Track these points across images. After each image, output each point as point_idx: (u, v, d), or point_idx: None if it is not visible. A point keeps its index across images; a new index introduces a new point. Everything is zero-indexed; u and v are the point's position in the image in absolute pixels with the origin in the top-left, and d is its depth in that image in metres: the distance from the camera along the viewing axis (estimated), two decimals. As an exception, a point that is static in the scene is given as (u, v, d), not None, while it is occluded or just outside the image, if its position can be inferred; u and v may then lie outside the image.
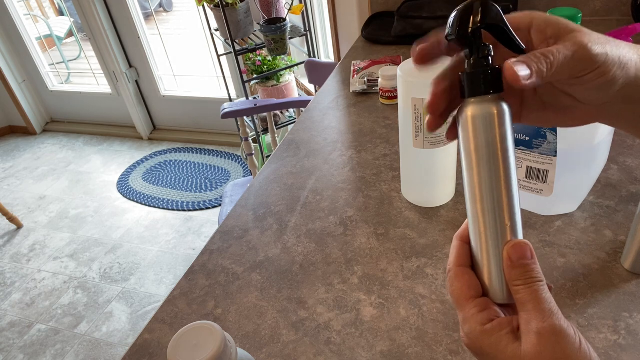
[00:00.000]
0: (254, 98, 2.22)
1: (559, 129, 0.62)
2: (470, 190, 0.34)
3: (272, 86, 2.12)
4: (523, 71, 0.30)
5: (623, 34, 0.76)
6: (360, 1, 1.62)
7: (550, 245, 0.67)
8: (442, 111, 0.35)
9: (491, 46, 0.32)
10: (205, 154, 2.87)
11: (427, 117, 0.35)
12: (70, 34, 4.27)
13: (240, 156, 2.78)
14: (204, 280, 0.71)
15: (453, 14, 0.31)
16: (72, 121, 3.41)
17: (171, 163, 2.84)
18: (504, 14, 0.31)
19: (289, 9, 1.92)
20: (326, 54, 2.27)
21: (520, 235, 0.33)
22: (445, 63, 0.37)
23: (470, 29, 0.31)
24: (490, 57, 0.31)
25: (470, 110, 0.32)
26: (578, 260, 0.64)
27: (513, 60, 0.30)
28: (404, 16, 1.37)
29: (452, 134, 0.35)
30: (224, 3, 1.84)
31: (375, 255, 0.70)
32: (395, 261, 0.69)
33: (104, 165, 2.94)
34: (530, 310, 0.31)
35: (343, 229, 0.76)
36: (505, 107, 0.32)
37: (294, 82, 2.20)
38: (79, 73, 3.67)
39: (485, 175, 0.32)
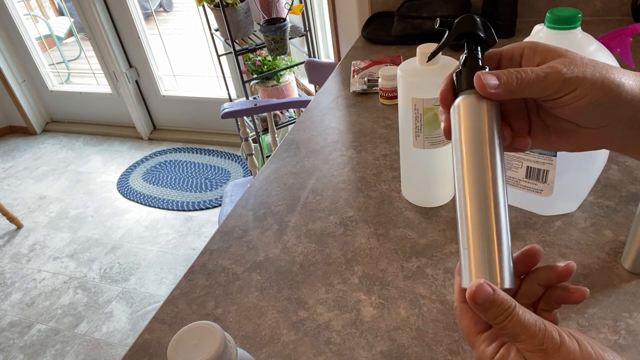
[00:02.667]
0: (254, 98, 2.23)
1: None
2: (458, 182, 0.36)
3: (272, 86, 2.12)
4: (491, 81, 0.34)
5: (623, 34, 0.76)
6: (360, 1, 1.62)
7: (550, 245, 0.67)
8: (450, 104, 0.38)
9: (479, 50, 0.37)
10: (205, 154, 2.87)
11: (443, 125, 0.38)
12: (70, 34, 4.27)
13: (240, 156, 2.78)
14: (204, 280, 0.71)
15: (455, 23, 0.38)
16: (72, 121, 3.41)
17: (171, 163, 2.84)
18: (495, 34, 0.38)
19: (289, 9, 1.92)
20: (326, 54, 2.27)
21: (505, 237, 0.33)
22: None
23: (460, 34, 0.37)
24: (478, 60, 0.37)
25: (458, 101, 0.37)
26: (578, 260, 0.64)
27: (486, 71, 0.34)
28: (404, 16, 1.37)
29: (448, 132, 0.38)
30: (224, 3, 1.84)
31: (375, 255, 0.70)
32: (395, 261, 0.69)
33: (104, 165, 2.94)
34: (524, 340, 0.30)
35: (343, 229, 0.76)
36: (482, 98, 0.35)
37: (294, 82, 2.20)
38: (79, 73, 3.67)
39: (471, 159, 0.35)
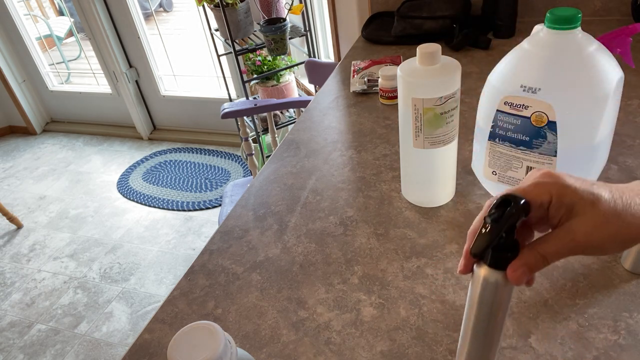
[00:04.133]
0: (254, 98, 2.22)
1: (558, 128, 0.62)
2: (464, 328, 0.43)
3: (272, 86, 2.12)
4: (525, 276, 0.37)
5: (623, 34, 0.76)
6: (360, 1, 1.62)
7: (550, 245, 0.67)
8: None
9: (516, 233, 0.38)
10: (205, 154, 2.87)
11: (460, 268, 0.41)
12: (70, 34, 4.27)
13: (240, 156, 2.78)
14: (204, 280, 0.71)
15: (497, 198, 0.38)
16: (72, 121, 3.41)
17: (171, 163, 2.84)
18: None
19: (289, 9, 1.92)
20: (326, 54, 2.27)
21: None
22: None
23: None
24: (515, 244, 0.38)
25: (485, 275, 0.38)
26: (578, 260, 0.64)
27: (520, 267, 0.37)
28: (404, 16, 1.37)
29: (466, 270, 0.40)
30: (224, 3, 1.84)
31: (375, 255, 0.70)
32: (395, 261, 0.69)
33: (104, 165, 2.94)
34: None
35: (343, 229, 0.76)
36: (504, 282, 0.38)
37: (294, 82, 2.20)
38: (79, 73, 3.67)
39: (477, 325, 0.41)
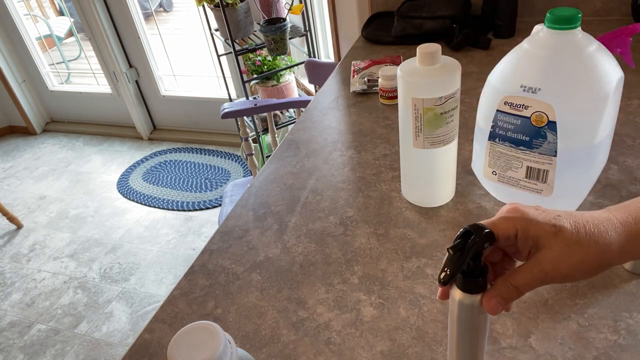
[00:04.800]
0: (254, 98, 2.22)
1: (558, 128, 0.62)
2: (449, 344, 0.45)
3: (272, 86, 2.12)
4: (501, 307, 0.39)
5: (623, 34, 0.76)
6: (360, 1, 1.62)
7: (550, 245, 0.67)
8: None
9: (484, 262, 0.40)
10: (205, 154, 2.87)
11: (439, 290, 0.43)
12: (70, 34, 4.27)
13: (240, 156, 2.78)
14: (204, 280, 0.71)
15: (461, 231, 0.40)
16: (72, 121, 3.41)
17: (171, 163, 2.84)
18: None
19: (289, 9, 1.92)
20: (326, 54, 2.27)
21: None
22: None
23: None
24: (484, 269, 0.40)
25: (462, 299, 0.41)
26: (578, 260, 0.64)
27: (494, 299, 0.39)
28: (404, 16, 1.37)
29: (444, 297, 0.42)
30: (224, 3, 1.84)
31: (375, 255, 0.70)
32: (395, 261, 0.69)
33: (104, 165, 2.94)
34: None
35: (343, 229, 0.76)
36: (479, 305, 0.40)
37: (294, 82, 2.20)
38: (79, 73, 3.67)
39: (459, 342, 0.44)
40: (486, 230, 0.39)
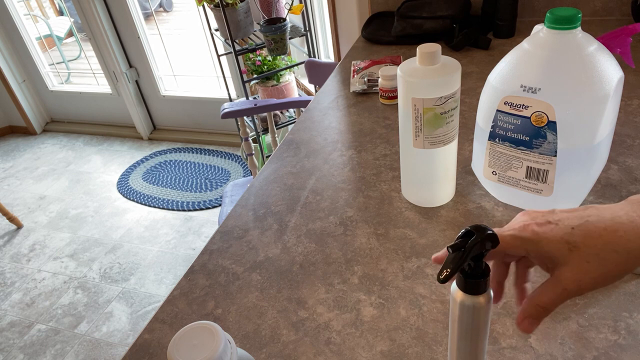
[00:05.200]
0: (254, 98, 2.22)
1: (558, 128, 0.62)
2: (450, 346, 0.46)
3: (272, 86, 2.12)
4: (533, 327, 0.40)
5: (623, 34, 0.76)
6: (360, 1, 1.62)
7: (550, 245, 0.67)
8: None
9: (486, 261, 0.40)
10: (205, 154, 2.87)
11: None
12: (70, 34, 4.27)
13: (240, 156, 2.78)
14: (204, 280, 0.71)
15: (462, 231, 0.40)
16: (72, 121, 3.41)
17: (171, 163, 2.84)
18: None
19: (289, 9, 1.92)
20: (326, 54, 2.27)
21: None
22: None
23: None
24: (486, 269, 0.40)
25: (460, 298, 0.41)
26: (578, 260, 0.64)
27: (523, 317, 0.40)
28: (404, 16, 1.37)
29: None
30: (224, 3, 1.84)
31: (375, 255, 0.70)
32: (395, 261, 0.69)
33: (104, 165, 2.94)
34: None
35: (343, 229, 0.76)
36: (485, 303, 0.40)
37: (294, 82, 2.20)
38: (79, 73, 3.68)
39: (460, 342, 0.44)
40: (488, 232, 0.38)
